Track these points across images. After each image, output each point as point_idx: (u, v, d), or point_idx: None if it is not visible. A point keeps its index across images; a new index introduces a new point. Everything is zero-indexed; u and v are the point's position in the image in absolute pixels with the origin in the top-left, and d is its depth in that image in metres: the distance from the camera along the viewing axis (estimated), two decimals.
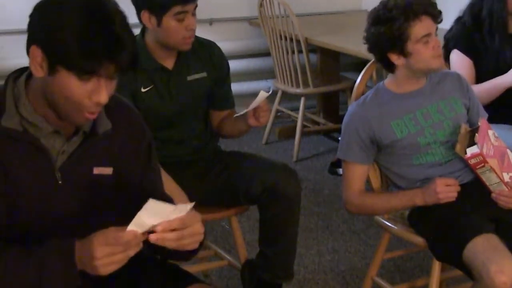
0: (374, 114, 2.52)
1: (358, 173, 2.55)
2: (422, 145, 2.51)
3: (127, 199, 1.76)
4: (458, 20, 3.20)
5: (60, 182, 1.71)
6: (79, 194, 1.71)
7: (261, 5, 4.67)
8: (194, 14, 2.59)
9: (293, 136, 4.74)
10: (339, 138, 2.61)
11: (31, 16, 1.62)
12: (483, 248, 2.22)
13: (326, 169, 4.46)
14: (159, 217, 1.56)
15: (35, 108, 1.67)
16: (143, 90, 2.62)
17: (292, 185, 2.65)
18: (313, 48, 4.88)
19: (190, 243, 1.63)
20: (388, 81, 2.58)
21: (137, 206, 1.54)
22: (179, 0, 2.53)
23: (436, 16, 2.44)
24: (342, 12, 5.57)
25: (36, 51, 1.59)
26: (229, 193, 2.68)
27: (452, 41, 3.16)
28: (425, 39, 2.41)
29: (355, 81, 2.77)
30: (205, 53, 2.74)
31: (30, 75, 1.68)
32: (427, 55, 2.43)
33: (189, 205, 1.58)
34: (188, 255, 1.78)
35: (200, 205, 2.60)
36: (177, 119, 2.69)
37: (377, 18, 2.44)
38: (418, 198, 2.45)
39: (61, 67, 1.57)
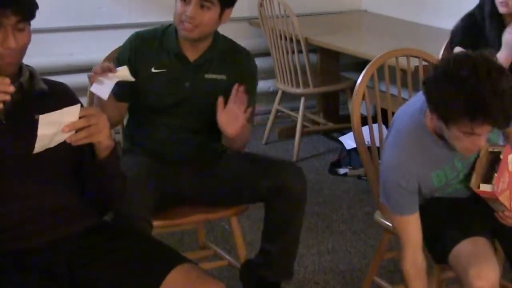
0: (417, 161, 2.26)
1: (415, 222, 2.31)
2: (452, 185, 2.39)
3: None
4: (469, 16, 3.18)
5: (4, 122, 1.94)
6: (23, 136, 1.88)
7: (261, 5, 4.67)
8: (201, 6, 2.51)
9: (293, 136, 4.74)
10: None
11: None
12: (466, 251, 2.21)
13: (326, 169, 4.46)
14: (57, 124, 1.77)
15: None
16: (153, 70, 2.62)
17: (299, 182, 2.65)
18: (313, 48, 4.88)
19: (98, 130, 1.85)
20: (429, 120, 2.23)
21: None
22: None
23: (499, 127, 2.12)
24: (342, 12, 5.57)
25: None
26: (233, 192, 2.68)
27: (458, 36, 3.14)
28: (469, 133, 2.09)
29: (355, 81, 2.77)
30: (231, 58, 2.69)
31: None
32: (461, 145, 2.15)
33: (77, 106, 1.81)
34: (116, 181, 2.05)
35: (202, 204, 2.63)
36: (177, 107, 2.65)
37: (447, 81, 2.04)
38: None
39: None
